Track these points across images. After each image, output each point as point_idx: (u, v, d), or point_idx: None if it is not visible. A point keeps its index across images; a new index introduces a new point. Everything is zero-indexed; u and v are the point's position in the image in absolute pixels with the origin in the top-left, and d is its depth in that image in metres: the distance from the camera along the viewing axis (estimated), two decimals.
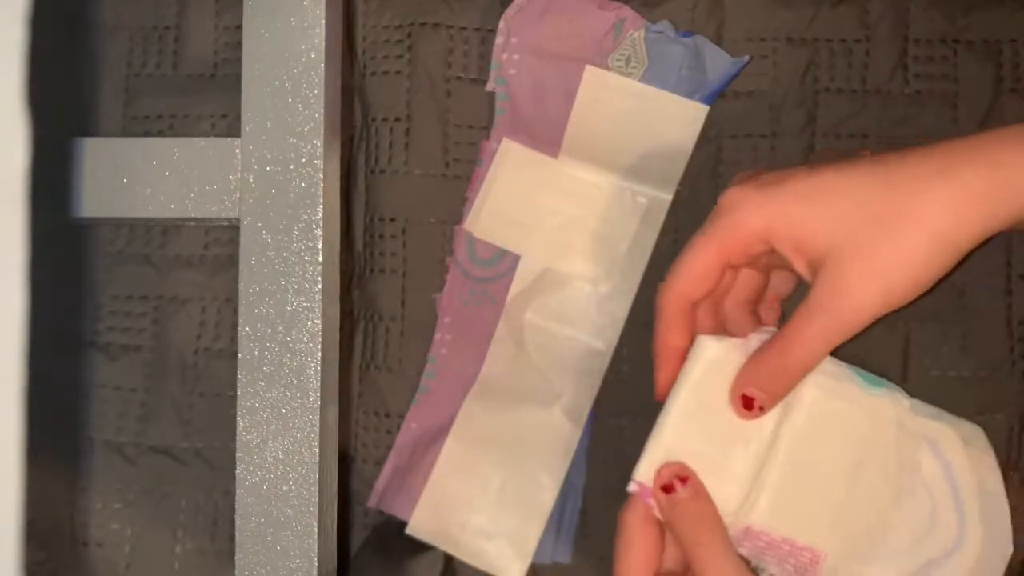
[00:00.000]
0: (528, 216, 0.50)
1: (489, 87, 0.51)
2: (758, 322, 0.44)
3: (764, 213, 0.39)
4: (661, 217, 0.50)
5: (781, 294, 0.46)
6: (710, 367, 0.41)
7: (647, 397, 0.48)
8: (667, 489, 0.40)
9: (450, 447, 0.49)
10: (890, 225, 0.38)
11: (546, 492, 0.49)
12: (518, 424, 0.49)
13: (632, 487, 0.41)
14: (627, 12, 0.50)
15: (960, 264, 0.39)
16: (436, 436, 0.50)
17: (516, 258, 0.50)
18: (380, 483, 0.50)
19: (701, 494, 0.40)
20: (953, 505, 0.42)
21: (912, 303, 0.39)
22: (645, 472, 0.41)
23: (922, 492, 0.42)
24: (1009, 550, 0.42)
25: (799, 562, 0.41)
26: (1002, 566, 0.42)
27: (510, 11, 0.50)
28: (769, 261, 0.43)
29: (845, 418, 0.41)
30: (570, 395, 0.49)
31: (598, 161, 0.50)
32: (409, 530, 0.49)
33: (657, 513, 0.41)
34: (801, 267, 0.40)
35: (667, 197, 0.50)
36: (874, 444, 0.42)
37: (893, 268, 0.38)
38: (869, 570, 0.41)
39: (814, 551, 0.41)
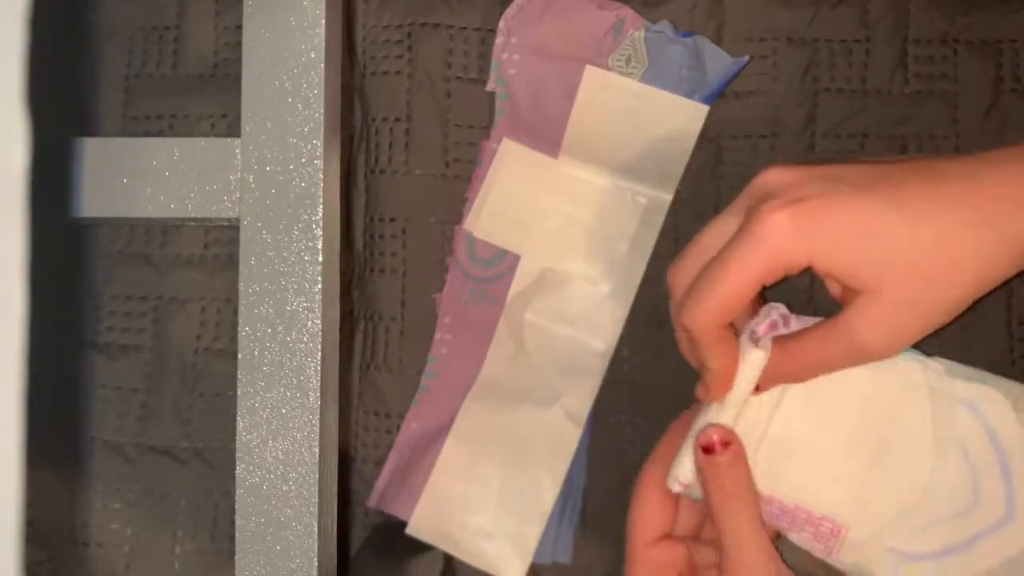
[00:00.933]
0: (528, 216, 0.50)
1: (489, 87, 0.51)
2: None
3: (807, 245, 0.38)
4: (661, 217, 0.49)
5: None
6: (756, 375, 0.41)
7: (647, 397, 0.48)
8: (708, 450, 0.40)
9: (450, 447, 0.49)
10: (932, 275, 0.38)
11: (546, 492, 0.49)
12: (518, 424, 0.49)
13: (677, 488, 0.41)
14: (627, 12, 0.50)
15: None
16: (436, 436, 0.50)
17: (516, 258, 0.50)
18: (380, 483, 0.50)
19: (740, 461, 0.40)
20: (999, 473, 0.40)
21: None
22: (686, 473, 0.41)
23: (960, 460, 0.40)
24: None
25: (819, 531, 0.41)
26: None
27: (510, 11, 0.50)
28: None
29: (863, 384, 0.41)
30: (570, 395, 0.49)
31: (598, 161, 0.50)
32: (409, 530, 0.49)
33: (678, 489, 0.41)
34: (835, 290, 0.41)
35: (667, 197, 0.50)
36: (905, 412, 0.41)
37: (927, 314, 0.38)
38: (904, 543, 0.40)
39: (834, 522, 0.40)
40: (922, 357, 0.41)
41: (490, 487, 0.49)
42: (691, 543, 0.43)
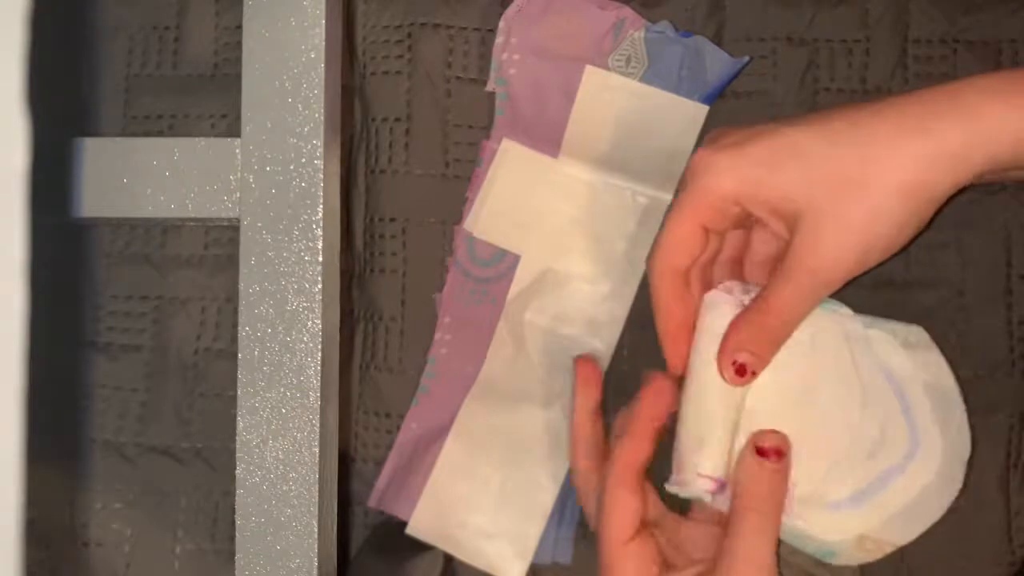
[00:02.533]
0: (528, 216, 0.50)
1: (489, 87, 0.51)
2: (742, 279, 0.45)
3: (733, 177, 0.40)
4: (661, 217, 0.49)
5: (768, 253, 0.45)
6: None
7: None
8: (762, 453, 0.40)
9: (450, 447, 0.49)
10: (862, 184, 0.37)
11: (546, 492, 0.49)
12: (518, 424, 0.49)
13: (710, 486, 0.41)
14: (627, 12, 0.50)
15: (935, 217, 0.39)
16: (436, 436, 0.50)
17: (516, 258, 0.50)
18: (380, 483, 0.50)
19: (784, 473, 0.40)
20: (900, 411, 0.42)
21: (890, 258, 0.39)
22: (715, 466, 0.41)
23: (869, 404, 0.42)
24: (967, 451, 0.42)
25: None
26: (962, 468, 0.42)
27: (510, 11, 0.50)
28: (752, 218, 0.43)
29: (796, 342, 0.42)
30: (570, 395, 0.49)
31: (598, 161, 0.50)
32: (409, 530, 0.49)
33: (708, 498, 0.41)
34: (777, 227, 0.40)
35: (667, 197, 0.50)
36: (827, 364, 0.42)
37: (867, 227, 0.38)
38: (828, 490, 0.42)
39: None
40: (835, 306, 0.43)
41: (490, 487, 0.49)
42: (658, 529, 0.43)
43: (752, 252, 0.45)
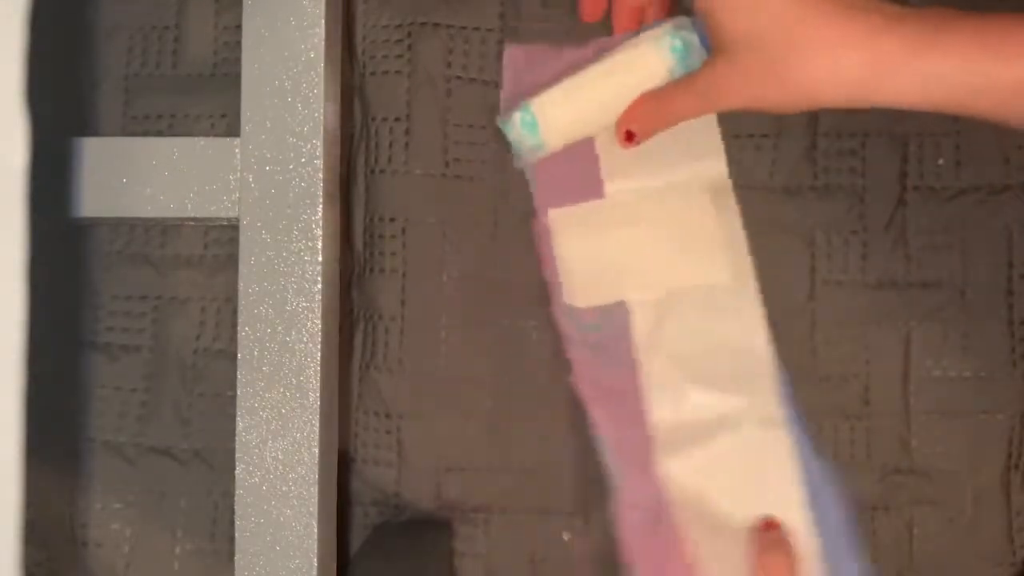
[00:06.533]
0: (611, 262, 0.49)
1: (516, 164, 0.50)
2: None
3: None
4: (730, 192, 0.48)
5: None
6: None
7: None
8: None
9: (680, 517, 0.46)
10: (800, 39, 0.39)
11: (794, 508, 0.46)
12: (721, 457, 0.47)
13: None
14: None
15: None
16: (657, 514, 0.47)
17: (622, 305, 0.48)
18: None
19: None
20: None
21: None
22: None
23: None
24: None
25: None
26: None
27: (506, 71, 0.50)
28: None
29: None
30: (755, 403, 0.47)
31: (641, 165, 0.48)
32: None
33: None
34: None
35: (722, 167, 0.48)
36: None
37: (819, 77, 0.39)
38: None
39: None
40: None
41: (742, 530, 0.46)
42: None
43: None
